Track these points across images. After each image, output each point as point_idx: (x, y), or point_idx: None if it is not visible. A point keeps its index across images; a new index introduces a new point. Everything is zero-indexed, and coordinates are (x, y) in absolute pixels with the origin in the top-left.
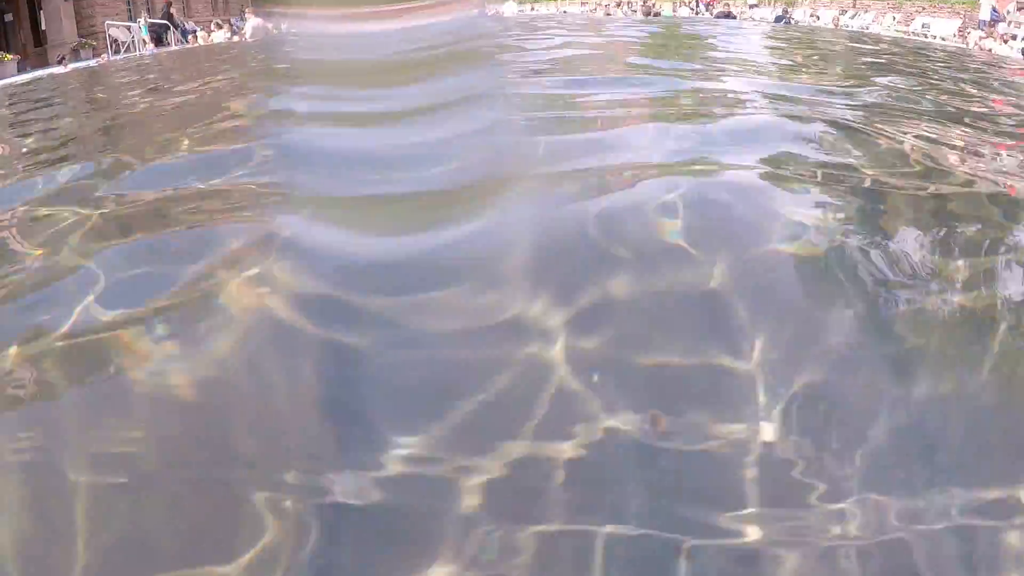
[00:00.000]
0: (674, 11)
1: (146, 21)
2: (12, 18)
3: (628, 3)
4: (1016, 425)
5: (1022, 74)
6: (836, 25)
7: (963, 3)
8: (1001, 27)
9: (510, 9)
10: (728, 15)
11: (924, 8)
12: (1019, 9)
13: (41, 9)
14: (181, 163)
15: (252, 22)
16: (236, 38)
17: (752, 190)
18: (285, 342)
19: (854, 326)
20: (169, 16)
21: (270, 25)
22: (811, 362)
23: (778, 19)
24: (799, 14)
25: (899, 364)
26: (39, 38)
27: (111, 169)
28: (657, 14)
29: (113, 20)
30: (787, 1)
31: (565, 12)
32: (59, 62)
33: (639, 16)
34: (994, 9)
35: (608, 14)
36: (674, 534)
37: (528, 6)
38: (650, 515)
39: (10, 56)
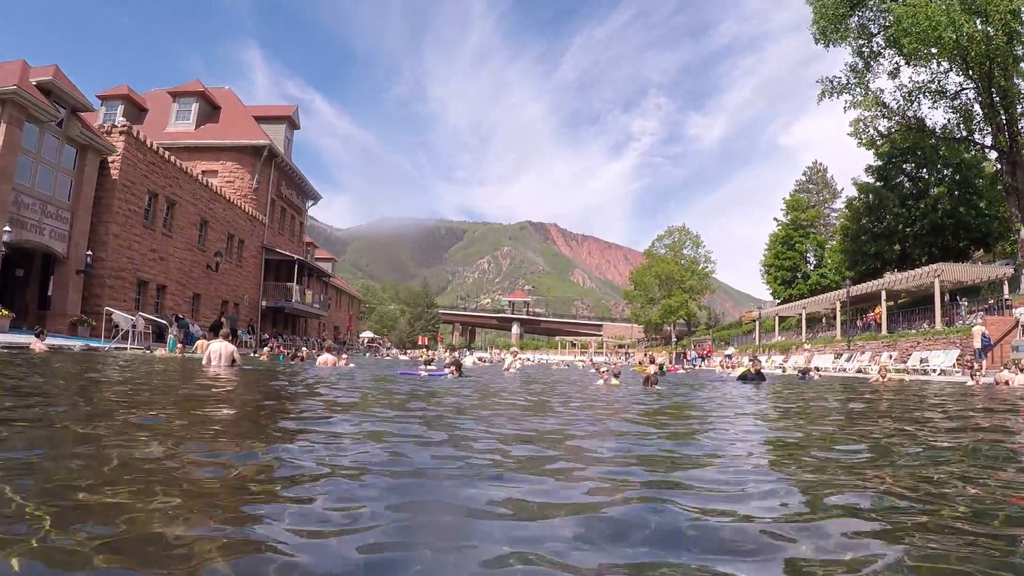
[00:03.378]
0: (673, 365)
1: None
2: (22, 274)
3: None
4: None
5: None
6: (884, 377)
7: (956, 332)
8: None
9: (469, 361)
10: (759, 375)
11: (919, 342)
12: None
13: (53, 275)
14: None
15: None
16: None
17: None
18: None
19: None
20: (219, 324)
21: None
22: None
23: (802, 375)
24: (795, 360)
25: None
26: (46, 301)
27: None
28: (655, 383)
29: (116, 308)
30: (781, 348)
31: (545, 361)
32: (37, 334)
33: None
34: (984, 335)
35: (601, 372)
36: None
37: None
38: None
39: (7, 313)
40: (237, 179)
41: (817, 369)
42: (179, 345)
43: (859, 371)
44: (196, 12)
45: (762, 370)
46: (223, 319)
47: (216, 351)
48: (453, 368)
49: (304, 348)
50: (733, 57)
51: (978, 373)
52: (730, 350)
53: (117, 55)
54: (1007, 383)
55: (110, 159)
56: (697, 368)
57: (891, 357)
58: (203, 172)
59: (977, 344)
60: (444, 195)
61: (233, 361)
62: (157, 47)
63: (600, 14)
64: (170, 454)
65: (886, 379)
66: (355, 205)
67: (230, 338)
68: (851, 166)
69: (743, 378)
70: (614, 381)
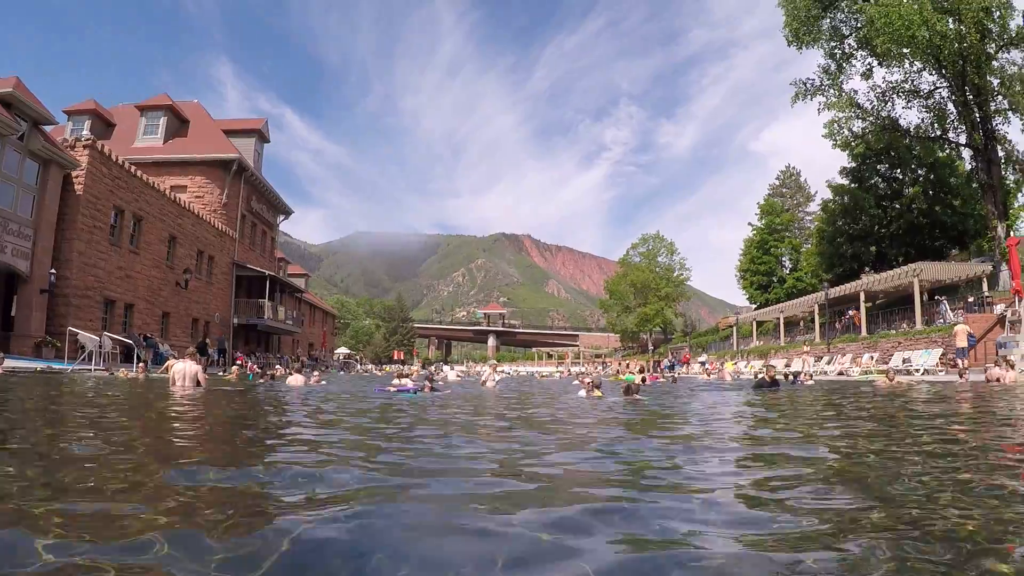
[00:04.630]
0: (653, 373)
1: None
2: None
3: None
4: None
5: None
6: (891, 379)
7: (937, 331)
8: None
9: (452, 375)
10: (773, 383)
11: (900, 343)
12: None
13: (16, 294)
14: None
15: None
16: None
17: None
18: None
19: None
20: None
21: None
22: None
23: (792, 380)
24: (796, 364)
25: None
26: (8, 322)
27: None
28: (637, 391)
29: (82, 328)
30: (759, 352)
31: (533, 374)
32: None
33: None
34: (970, 335)
35: (584, 383)
36: None
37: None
38: None
39: None
40: (207, 194)
41: (810, 375)
42: (140, 365)
43: (840, 373)
44: (165, 26)
45: (776, 377)
46: (207, 340)
47: (180, 371)
48: (427, 385)
49: (279, 366)
50: (703, 64)
51: (966, 372)
52: (703, 357)
53: (85, 71)
54: (998, 380)
55: (74, 174)
56: (676, 375)
57: (872, 358)
58: (172, 187)
59: (962, 343)
60: (418, 208)
61: (198, 382)
62: (126, 63)
63: (571, 24)
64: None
65: (894, 381)
66: (329, 220)
67: (196, 358)
68: (823, 171)
69: (758, 386)
70: (596, 392)
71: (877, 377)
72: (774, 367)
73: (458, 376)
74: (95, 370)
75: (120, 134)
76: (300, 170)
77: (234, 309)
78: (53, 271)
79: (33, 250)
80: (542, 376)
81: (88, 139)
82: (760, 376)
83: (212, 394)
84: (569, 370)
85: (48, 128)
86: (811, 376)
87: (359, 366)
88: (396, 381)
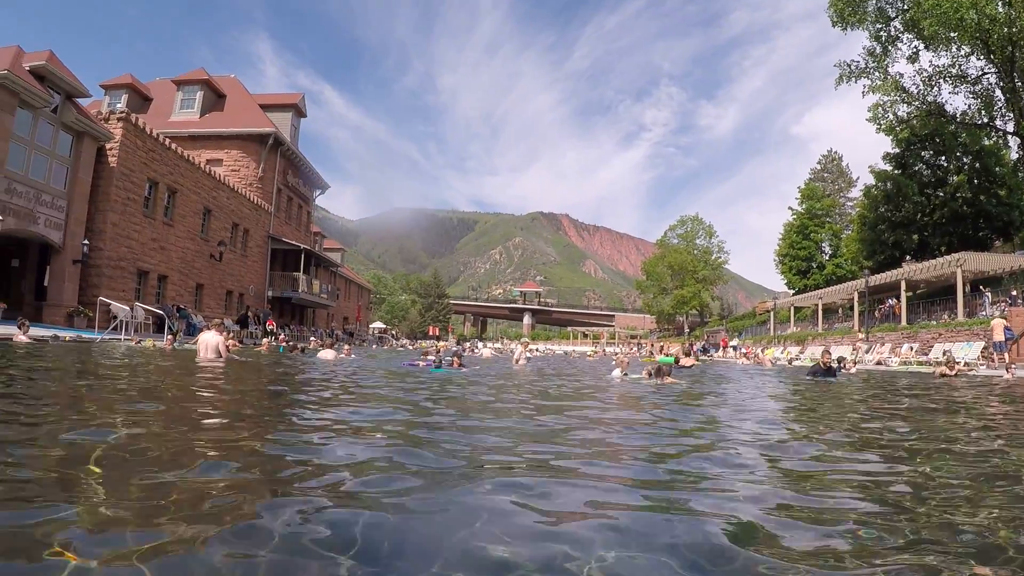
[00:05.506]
0: (684, 357)
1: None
2: (18, 264)
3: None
4: None
5: None
6: (953, 371)
7: (979, 324)
8: None
9: (487, 352)
10: (829, 371)
11: (941, 334)
12: None
13: (49, 265)
14: None
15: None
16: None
17: None
18: None
19: None
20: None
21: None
22: None
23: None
24: (810, 352)
25: None
26: (42, 291)
27: None
28: (668, 373)
29: (115, 299)
30: (796, 339)
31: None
32: (19, 326)
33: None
34: (1008, 328)
35: (621, 365)
36: None
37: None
38: None
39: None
40: (242, 167)
41: (855, 362)
42: (169, 336)
43: (878, 363)
44: (204, 3)
45: (832, 364)
46: (249, 312)
47: (204, 342)
48: (456, 360)
49: (313, 339)
50: (744, 46)
51: (1012, 367)
52: (735, 341)
53: (123, 47)
54: None
55: (108, 146)
56: (710, 359)
57: (912, 348)
58: (208, 161)
59: (1000, 337)
60: (455, 185)
61: (220, 353)
62: (165, 39)
63: (611, 3)
64: None
65: (955, 372)
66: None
67: (221, 328)
68: (864, 157)
69: (812, 373)
70: (630, 374)
71: (935, 369)
72: (830, 353)
73: (491, 354)
74: (124, 340)
75: (157, 108)
76: (338, 146)
77: (269, 282)
78: (86, 242)
79: (66, 221)
80: (574, 355)
81: (122, 112)
82: (815, 363)
83: (231, 365)
84: (604, 350)
85: (86, 103)
86: (855, 363)
87: (394, 341)
88: (423, 357)
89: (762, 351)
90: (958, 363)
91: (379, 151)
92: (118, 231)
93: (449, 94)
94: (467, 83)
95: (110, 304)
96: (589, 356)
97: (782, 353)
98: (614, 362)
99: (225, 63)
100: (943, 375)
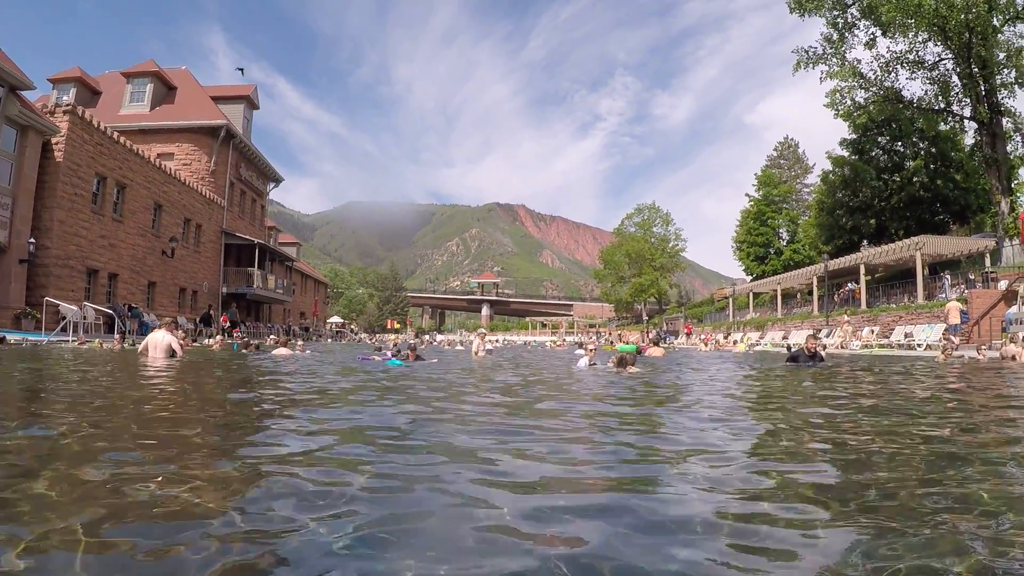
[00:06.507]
0: (653, 347)
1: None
2: None
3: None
4: None
5: None
6: (947, 355)
7: (939, 306)
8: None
9: (447, 342)
10: (814, 356)
11: (901, 317)
12: None
13: None
14: None
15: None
16: (210, 343)
17: None
18: None
19: None
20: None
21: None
22: None
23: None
24: (771, 337)
25: None
26: None
27: None
28: (632, 363)
29: (64, 299)
30: (756, 324)
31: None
32: None
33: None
34: (963, 312)
35: (588, 352)
36: None
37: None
38: None
39: None
40: (194, 161)
41: (823, 346)
42: (117, 336)
43: (840, 347)
44: None
45: (816, 349)
46: (211, 312)
47: (154, 342)
48: (410, 354)
49: (272, 336)
50: (699, 36)
51: (954, 349)
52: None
53: (72, 39)
54: (1014, 358)
55: (54, 140)
56: (671, 347)
57: (873, 332)
58: (159, 155)
59: (955, 320)
60: (411, 178)
61: (173, 353)
62: (115, 31)
63: None
64: None
65: (949, 356)
66: (323, 190)
67: (171, 328)
68: (820, 144)
69: (794, 359)
70: (631, 369)
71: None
72: (816, 338)
73: (449, 345)
74: (71, 341)
75: (106, 102)
76: (294, 140)
77: (223, 278)
78: (32, 240)
79: (11, 219)
80: (531, 344)
81: (67, 105)
82: (797, 348)
83: (183, 365)
84: (564, 340)
85: (33, 97)
86: (824, 347)
87: (349, 334)
88: (375, 353)
89: (724, 337)
90: (900, 346)
91: (334, 144)
92: (65, 228)
93: (404, 85)
94: (422, 74)
95: (59, 305)
96: (554, 346)
97: (742, 339)
98: (581, 351)
99: (177, 56)
100: (947, 356)
